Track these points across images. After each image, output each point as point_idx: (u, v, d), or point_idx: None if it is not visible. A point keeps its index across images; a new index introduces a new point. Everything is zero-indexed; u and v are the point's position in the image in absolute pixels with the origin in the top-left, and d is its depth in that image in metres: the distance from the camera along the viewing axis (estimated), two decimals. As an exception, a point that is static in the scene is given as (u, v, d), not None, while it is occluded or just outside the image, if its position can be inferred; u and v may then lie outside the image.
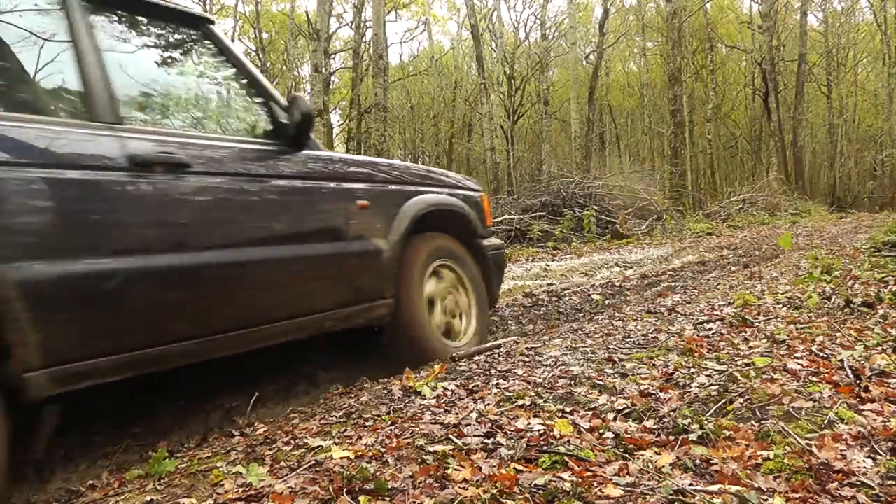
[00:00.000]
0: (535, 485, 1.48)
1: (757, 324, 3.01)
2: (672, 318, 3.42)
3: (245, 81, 2.68)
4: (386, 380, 2.76)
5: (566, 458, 1.62)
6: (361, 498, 1.46)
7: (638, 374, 2.37)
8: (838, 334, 2.70)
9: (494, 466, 1.60)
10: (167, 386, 2.69)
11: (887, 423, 1.77)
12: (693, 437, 1.74)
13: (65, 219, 1.88)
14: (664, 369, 2.40)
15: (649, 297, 4.83)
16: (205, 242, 2.23)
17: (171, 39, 2.60)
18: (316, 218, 2.66)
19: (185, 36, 2.61)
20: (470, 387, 2.35)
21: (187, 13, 2.58)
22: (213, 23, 2.66)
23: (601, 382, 2.29)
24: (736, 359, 2.44)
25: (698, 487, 1.46)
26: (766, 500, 1.42)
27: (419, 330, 3.02)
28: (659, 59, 25.00)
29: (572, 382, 2.31)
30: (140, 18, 2.47)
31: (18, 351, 1.74)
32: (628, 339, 2.99)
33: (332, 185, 2.75)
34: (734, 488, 1.44)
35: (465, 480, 1.52)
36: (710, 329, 3.01)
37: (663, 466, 1.58)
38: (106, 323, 1.96)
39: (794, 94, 23.45)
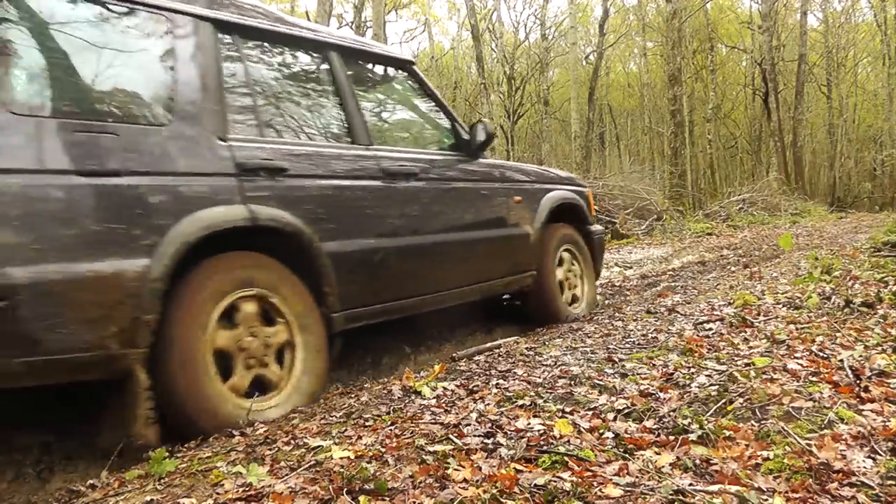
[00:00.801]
0: (535, 485, 1.49)
1: (757, 324, 3.01)
2: (672, 318, 3.42)
3: (437, 107, 3.53)
4: (386, 380, 2.76)
5: (566, 458, 1.62)
6: (361, 498, 1.46)
7: (638, 374, 2.37)
8: (838, 334, 2.70)
9: (494, 466, 1.60)
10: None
11: (887, 423, 1.77)
12: (693, 437, 1.75)
13: (348, 212, 2.71)
14: (664, 369, 2.40)
15: (649, 297, 4.83)
16: (428, 229, 3.11)
17: (390, 79, 3.53)
18: (492, 210, 3.56)
19: (398, 74, 3.51)
20: (470, 387, 2.36)
21: (399, 58, 3.52)
22: (415, 63, 3.52)
23: (601, 382, 2.29)
24: (736, 359, 2.44)
25: (698, 487, 1.46)
26: (766, 500, 1.42)
27: (552, 297, 3.96)
28: (659, 59, 24.93)
29: (572, 382, 2.31)
30: (370, 65, 3.38)
31: (329, 298, 2.61)
32: (628, 339, 2.99)
33: (500, 185, 3.63)
34: (734, 488, 1.44)
35: (465, 480, 1.52)
36: (710, 329, 3.01)
37: (663, 466, 1.58)
38: (373, 283, 2.82)
39: (794, 94, 23.39)
